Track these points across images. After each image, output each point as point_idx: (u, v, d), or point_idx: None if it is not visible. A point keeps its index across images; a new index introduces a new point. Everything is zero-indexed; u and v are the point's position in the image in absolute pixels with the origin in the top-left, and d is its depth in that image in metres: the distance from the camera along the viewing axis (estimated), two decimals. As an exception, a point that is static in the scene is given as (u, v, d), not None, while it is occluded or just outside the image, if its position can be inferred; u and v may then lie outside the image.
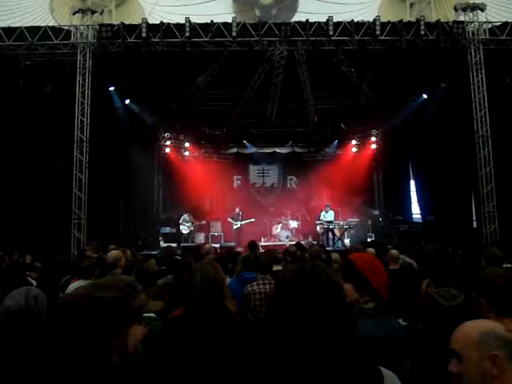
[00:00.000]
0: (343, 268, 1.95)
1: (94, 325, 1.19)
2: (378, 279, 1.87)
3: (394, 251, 4.70)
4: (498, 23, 10.44)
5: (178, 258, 5.37)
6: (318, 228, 13.46)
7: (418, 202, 14.25)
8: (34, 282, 3.68)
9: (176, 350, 1.90)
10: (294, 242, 8.49)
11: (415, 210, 14.49)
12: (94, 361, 1.16)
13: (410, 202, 14.67)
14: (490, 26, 10.38)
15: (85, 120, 10.10)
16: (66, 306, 1.26)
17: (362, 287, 1.86)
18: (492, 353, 1.23)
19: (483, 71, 10.09)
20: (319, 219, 13.38)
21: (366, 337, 1.63)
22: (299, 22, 10.39)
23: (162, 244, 13.20)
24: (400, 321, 2.48)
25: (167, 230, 14.31)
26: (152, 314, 2.75)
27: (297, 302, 1.15)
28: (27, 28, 10.27)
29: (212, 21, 10.26)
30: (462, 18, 10.49)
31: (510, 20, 10.45)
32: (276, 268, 3.89)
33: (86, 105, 10.14)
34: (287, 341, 1.13)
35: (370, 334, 1.71)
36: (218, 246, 11.93)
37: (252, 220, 13.95)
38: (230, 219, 13.88)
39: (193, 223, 13.85)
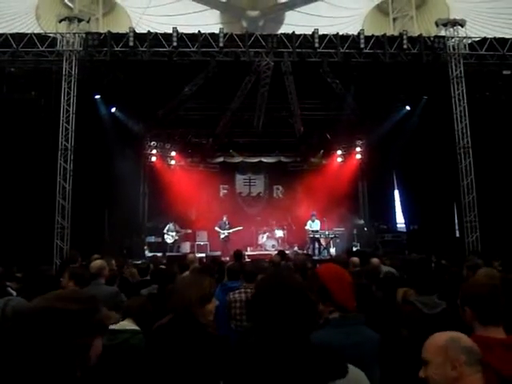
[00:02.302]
0: (308, 280, 2.00)
1: (61, 339, 1.13)
2: (341, 290, 1.90)
3: (375, 260, 4.77)
4: (478, 38, 10.77)
5: (163, 267, 5.34)
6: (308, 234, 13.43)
7: (402, 211, 14.46)
8: (13, 292, 3.61)
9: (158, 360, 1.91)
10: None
11: (399, 219, 14.69)
12: (57, 376, 1.11)
13: (395, 212, 14.88)
14: (469, 41, 10.70)
15: (69, 128, 9.99)
16: (25, 317, 1.17)
17: (326, 298, 1.89)
18: (454, 357, 1.34)
19: (464, 84, 10.37)
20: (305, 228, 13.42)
21: (327, 346, 1.64)
22: (285, 34, 10.53)
23: (148, 253, 13.05)
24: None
25: (152, 239, 14.17)
26: (135, 327, 2.71)
27: (265, 307, 1.29)
28: (12, 35, 10.15)
29: (199, 31, 10.32)
30: (443, 33, 10.79)
31: (488, 36, 10.81)
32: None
33: (71, 112, 10.03)
34: (258, 341, 1.28)
35: (332, 344, 1.68)
36: (203, 255, 11.86)
37: (240, 228, 13.91)
38: (217, 228, 13.81)
39: (178, 232, 13.75)
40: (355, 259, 5.01)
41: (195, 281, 2.24)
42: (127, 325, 2.72)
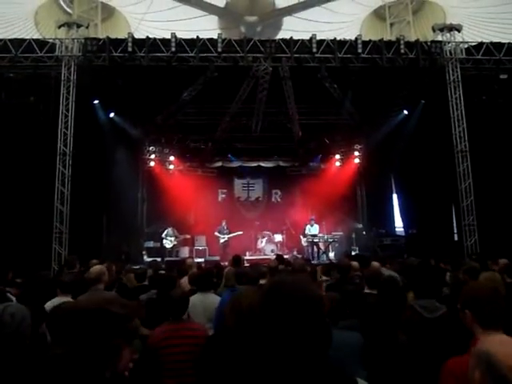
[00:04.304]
0: None
1: (101, 337, 1.23)
2: None
3: (375, 263, 4.77)
4: (474, 43, 10.86)
5: (163, 272, 5.33)
6: (303, 242, 13.50)
7: (401, 215, 14.47)
8: (13, 298, 3.59)
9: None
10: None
11: (398, 223, 14.70)
12: (91, 372, 1.18)
13: (393, 216, 14.89)
14: (466, 45, 10.78)
15: (68, 133, 9.99)
16: (76, 314, 1.29)
17: None
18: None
19: (461, 89, 10.43)
20: (304, 233, 13.44)
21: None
22: (283, 40, 10.59)
23: (146, 258, 13.01)
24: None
25: (151, 244, 14.14)
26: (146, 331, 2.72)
27: (273, 314, 1.14)
28: (11, 40, 10.18)
29: (198, 36, 10.37)
30: (439, 38, 10.88)
31: (485, 40, 10.89)
32: (262, 282, 3.90)
33: (69, 117, 10.04)
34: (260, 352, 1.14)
35: None
36: (202, 260, 11.83)
37: (240, 233, 13.90)
38: (216, 233, 13.79)
39: (177, 237, 13.72)
40: (354, 263, 5.01)
41: None
42: (143, 331, 2.73)
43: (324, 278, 5.15)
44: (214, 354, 1.98)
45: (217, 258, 12.60)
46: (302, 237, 13.56)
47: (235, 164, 16.44)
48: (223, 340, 2.00)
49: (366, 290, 3.65)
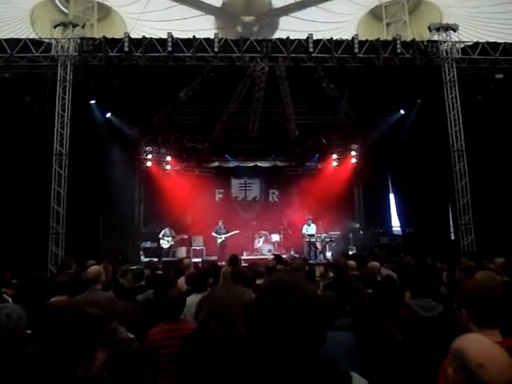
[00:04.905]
0: None
1: (73, 337, 1.23)
2: None
3: (375, 263, 4.77)
4: (470, 43, 10.90)
5: (160, 272, 5.31)
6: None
7: (398, 214, 14.51)
8: (9, 298, 3.58)
9: None
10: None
11: (395, 222, 14.73)
12: (61, 370, 1.20)
13: (390, 215, 14.92)
14: (462, 45, 10.82)
15: (64, 133, 9.95)
16: (55, 313, 1.31)
17: None
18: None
19: (457, 88, 10.47)
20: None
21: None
22: (280, 39, 10.59)
23: (143, 258, 12.99)
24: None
25: (148, 244, 14.11)
26: (130, 335, 2.70)
27: (269, 313, 1.15)
28: (6, 40, 10.13)
29: (194, 36, 10.35)
30: (435, 38, 10.91)
31: (481, 40, 10.94)
32: (259, 282, 3.89)
33: (65, 118, 10.00)
34: (259, 351, 1.15)
35: None
36: (199, 260, 11.81)
37: (236, 232, 13.89)
38: (214, 233, 13.77)
39: (174, 237, 13.70)
40: (352, 263, 5.01)
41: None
42: (122, 333, 2.71)
43: (322, 277, 5.16)
44: (193, 351, 2.00)
45: (214, 257, 12.59)
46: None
47: (232, 164, 16.43)
48: (202, 337, 2.01)
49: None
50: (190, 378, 1.95)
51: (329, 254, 13.22)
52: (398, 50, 10.31)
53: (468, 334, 1.44)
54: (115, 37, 10.49)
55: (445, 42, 10.72)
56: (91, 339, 1.26)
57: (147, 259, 12.52)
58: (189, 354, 2.04)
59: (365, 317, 2.53)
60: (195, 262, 8.49)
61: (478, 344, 1.27)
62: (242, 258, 11.50)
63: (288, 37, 10.50)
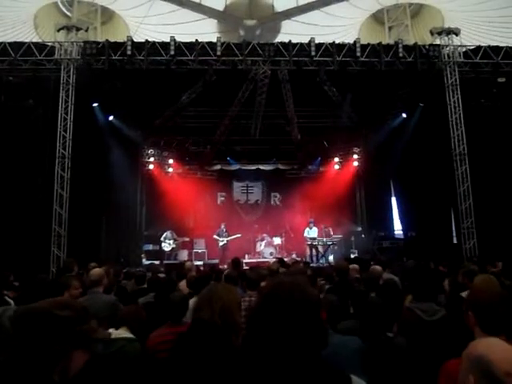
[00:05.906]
0: None
1: (47, 340, 1.20)
2: None
3: (377, 267, 4.76)
4: (472, 47, 10.89)
5: (161, 275, 5.31)
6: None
7: (400, 218, 14.48)
8: (11, 301, 3.58)
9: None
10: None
11: (397, 226, 14.70)
12: (34, 376, 1.17)
13: (392, 219, 14.89)
14: (464, 49, 10.83)
15: (67, 136, 10.00)
16: (23, 317, 1.27)
17: None
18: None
19: (459, 92, 10.47)
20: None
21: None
22: (282, 43, 10.62)
23: (145, 261, 12.99)
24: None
25: (150, 246, 14.12)
26: (130, 335, 2.71)
27: (271, 315, 1.16)
28: (10, 43, 10.19)
29: (197, 40, 10.39)
30: (437, 42, 10.92)
31: (483, 44, 10.94)
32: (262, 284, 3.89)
33: (68, 120, 10.04)
34: (259, 354, 1.15)
35: None
36: (201, 263, 11.82)
37: (238, 235, 13.87)
38: (215, 236, 13.76)
39: (176, 240, 13.70)
40: (355, 266, 5.00)
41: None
42: (122, 333, 2.71)
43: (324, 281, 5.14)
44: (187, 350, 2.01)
45: (216, 260, 12.59)
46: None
47: (234, 167, 16.45)
48: (202, 337, 2.02)
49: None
50: (189, 378, 1.95)
51: (331, 258, 13.20)
52: (400, 54, 10.32)
53: (485, 339, 1.41)
54: (118, 40, 10.54)
55: (447, 46, 10.73)
56: (64, 342, 1.23)
57: (149, 262, 12.52)
58: (187, 354, 2.04)
59: (370, 319, 2.52)
60: (197, 265, 8.49)
61: (504, 351, 1.24)
62: (244, 260, 11.50)
63: (290, 40, 10.54)
